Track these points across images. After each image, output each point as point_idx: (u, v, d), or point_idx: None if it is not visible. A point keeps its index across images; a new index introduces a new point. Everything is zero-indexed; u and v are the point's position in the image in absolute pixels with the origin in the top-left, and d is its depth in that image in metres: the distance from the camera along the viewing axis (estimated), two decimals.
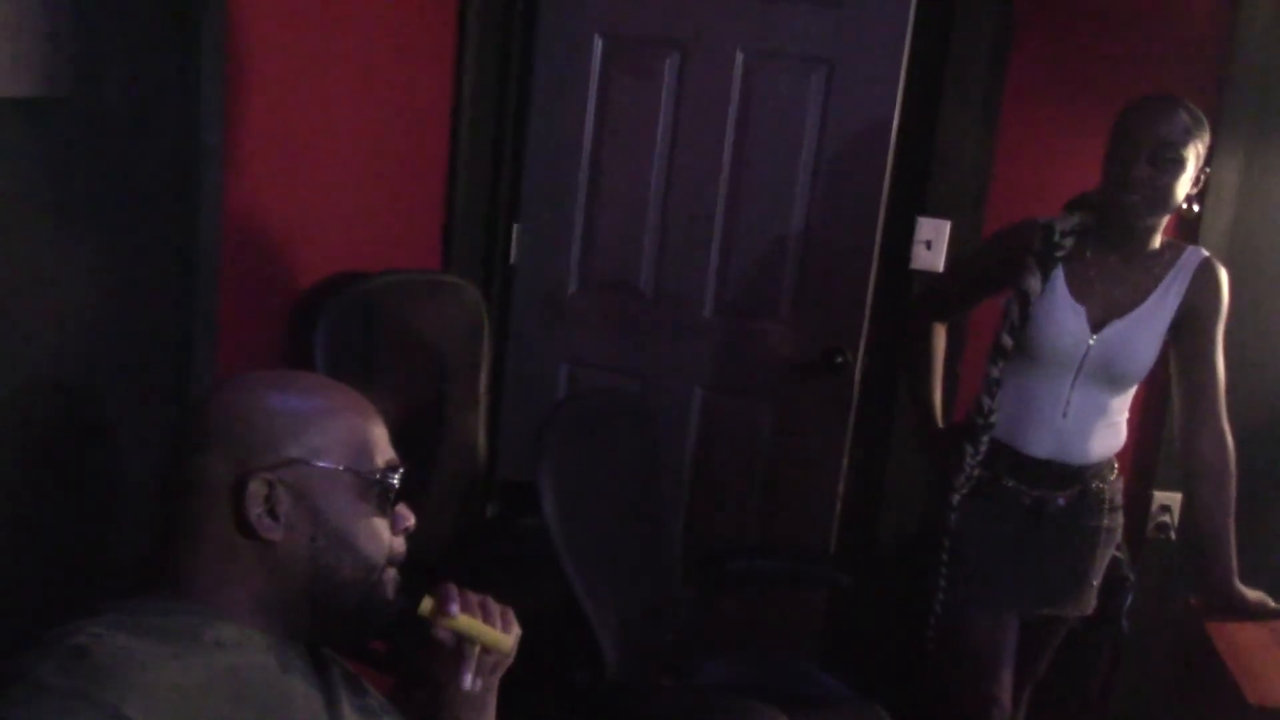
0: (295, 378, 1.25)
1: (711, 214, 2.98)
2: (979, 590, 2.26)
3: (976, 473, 2.24)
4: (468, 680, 1.23)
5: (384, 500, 1.20)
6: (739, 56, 2.90)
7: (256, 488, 1.12)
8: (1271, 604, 2.24)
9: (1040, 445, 2.22)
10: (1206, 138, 2.10)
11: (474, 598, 1.25)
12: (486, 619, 1.24)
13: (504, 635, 1.25)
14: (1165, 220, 2.16)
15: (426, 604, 1.22)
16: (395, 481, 1.21)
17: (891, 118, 2.80)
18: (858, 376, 2.92)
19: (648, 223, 3.03)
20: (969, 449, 2.24)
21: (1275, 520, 2.70)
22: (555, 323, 3.14)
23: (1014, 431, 2.23)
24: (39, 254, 1.50)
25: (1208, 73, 2.66)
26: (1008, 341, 2.21)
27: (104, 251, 1.62)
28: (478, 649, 1.24)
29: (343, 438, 1.18)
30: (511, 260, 3.14)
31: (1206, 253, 2.21)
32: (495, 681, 1.30)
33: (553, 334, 3.15)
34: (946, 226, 2.83)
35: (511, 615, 1.27)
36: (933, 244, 2.84)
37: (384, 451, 1.22)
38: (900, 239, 2.87)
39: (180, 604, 1.12)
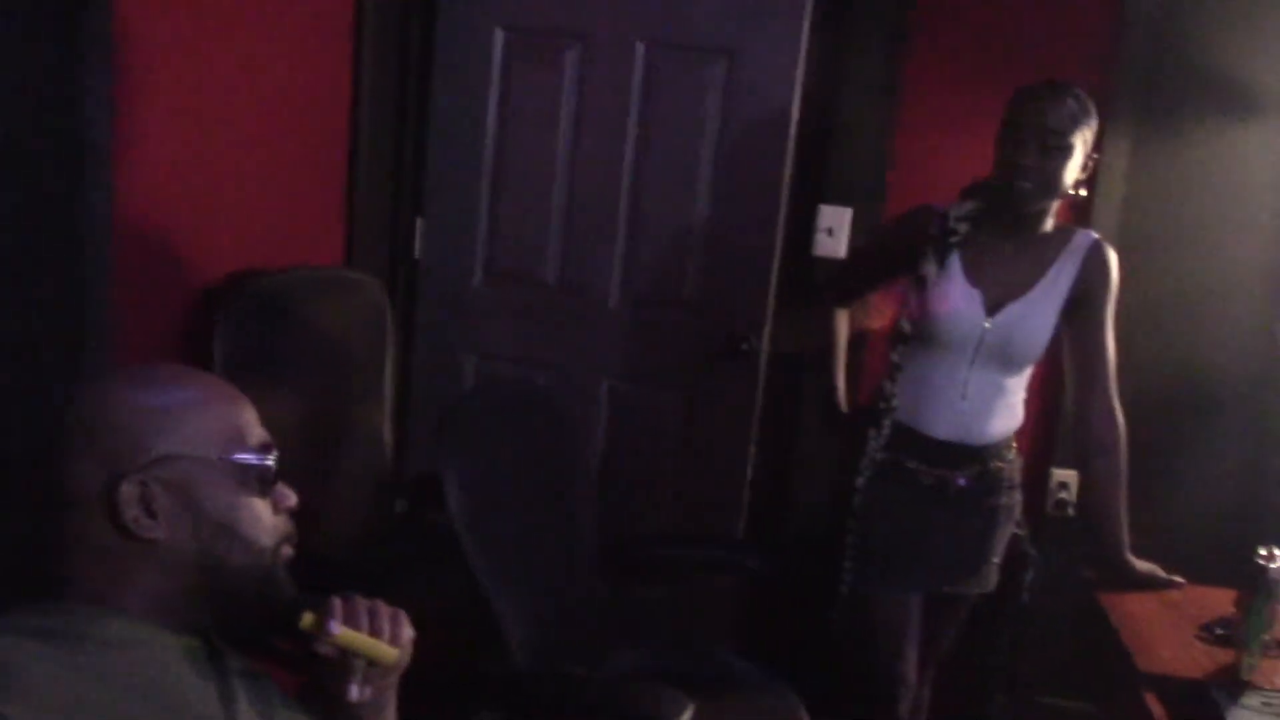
0: (155, 372, 1.22)
1: (615, 204, 2.98)
2: (883, 570, 2.30)
3: (880, 455, 2.28)
4: (353, 692, 1.21)
5: (263, 482, 1.19)
6: (640, 47, 2.91)
7: (129, 490, 1.10)
8: (1162, 575, 2.30)
9: (940, 427, 2.26)
10: (1094, 124, 2.15)
11: (362, 606, 1.22)
12: (374, 628, 1.21)
13: (390, 649, 1.22)
14: (1056, 204, 2.21)
15: (307, 619, 1.19)
16: (271, 462, 1.20)
17: (791, 106, 2.83)
18: (763, 362, 2.95)
19: (552, 214, 3.03)
20: (872, 432, 2.27)
21: (1164, 493, 2.78)
22: (461, 316, 3.13)
23: (915, 414, 2.27)
24: None
25: (1098, 58, 2.72)
26: (906, 326, 2.25)
27: None
28: (362, 661, 1.21)
29: (212, 426, 1.17)
30: (416, 254, 3.12)
31: (1096, 235, 2.27)
32: (392, 684, 1.29)
33: (459, 327, 3.13)
34: (848, 213, 2.86)
35: (404, 619, 1.25)
36: (835, 231, 2.88)
37: (256, 434, 1.21)
38: (802, 226, 2.90)
39: (66, 606, 1.10)
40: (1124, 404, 2.28)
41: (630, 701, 1.85)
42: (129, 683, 1.07)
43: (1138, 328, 2.69)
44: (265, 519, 1.19)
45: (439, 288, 3.13)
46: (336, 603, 1.20)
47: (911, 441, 2.27)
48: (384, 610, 1.23)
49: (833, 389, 2.53)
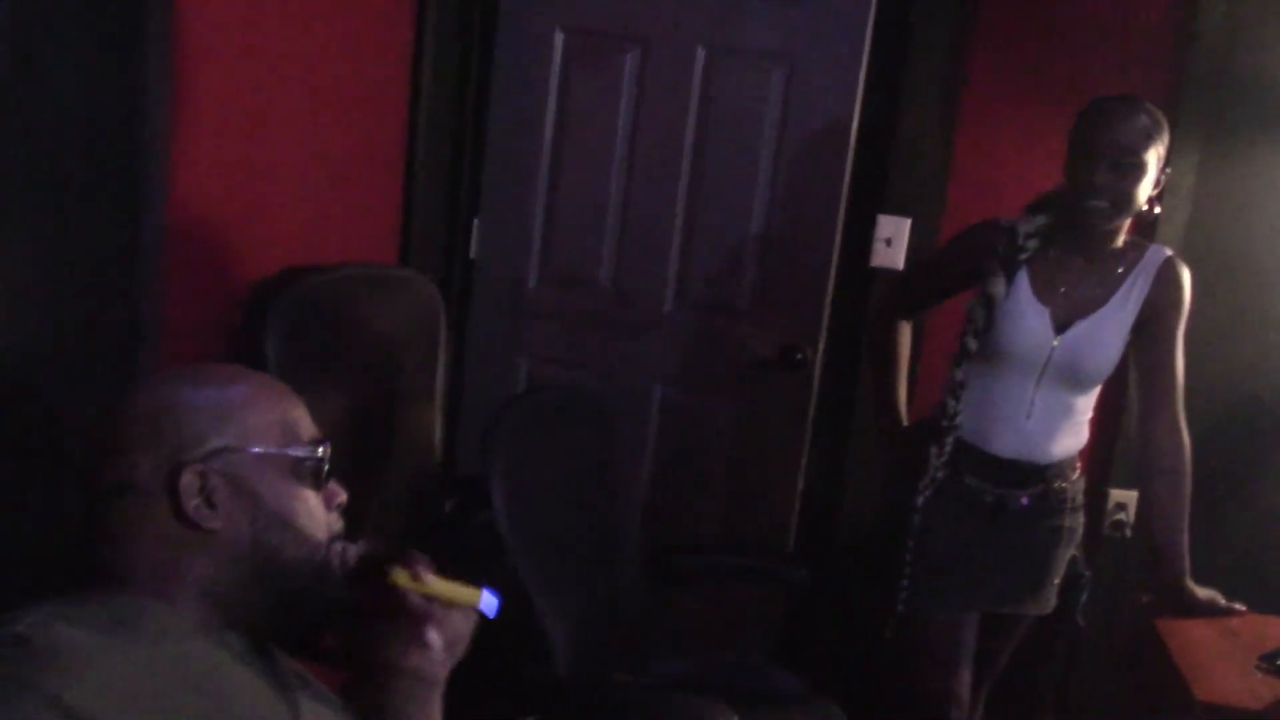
0: (211, 370, 1.26)
1: (672, 210, 2.97)
2: (941, 589, 2.26)
3: (940, 473, 2.24)
4: (433, 636, 1.23)
5: (317, 476, 1.22)
6: (700, 53, 2.89)
7: (190, 480, 1.13)
8: (1222, 602, 2.25)
9: (1004, 445, 2.22)
10: (1166, 138, 2.10)
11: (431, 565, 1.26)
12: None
13: (475, 589, 1.26)
14: (1128, 220, 2.17)
15: (400, 575, 1.22)
16: (324, 456, 1.22)
17: (852, 115, 2.80)
18: (817, 373, 2.92)
19: (608, 218, 3.02)
20: (934, 450, 2.24)
21: (1228, 519, 2.72)
22: (515, 318, 3.13)
23: (978, 432, 2.24)
24: None
25: (1164, 71, 2.67)
26: (972, 345, 2.21)
27: (44, 246, 1.59)
28: (440, 606, 1.24)
29: (267, 420, 1.20)
30: (471, 255, 3.12)
31: (1169, 252, 2.22)
32: (445, 674, 1.28)
33: (512, 329, 3.13)
34: (906, 224, 2.83)
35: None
36: (893, 241, 2.84)
37: (308, 429, 1.24)
38: (860, 236, 2.86)
39: (122, 596, 1.12)
40: (1189, 425, 2.23)
41: (675, 712, 1.83)
42: (184, 675, 1.08)
43: (1204, 348, 2.63)
44: (319, 513, 1.22)
45: (494, 289, 3.13)
46: (418, 555, 1.24)
47: (974, 459, 2.24)
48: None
49: (893, 403, 2.49)
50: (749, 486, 3.02)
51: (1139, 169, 2.06)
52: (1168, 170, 2.15)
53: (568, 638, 1.98)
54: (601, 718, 1.94)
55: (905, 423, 2.49)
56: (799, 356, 2.90)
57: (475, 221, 3.10)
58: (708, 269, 2.98)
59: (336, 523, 1.25)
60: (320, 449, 1.22)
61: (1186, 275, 2.20)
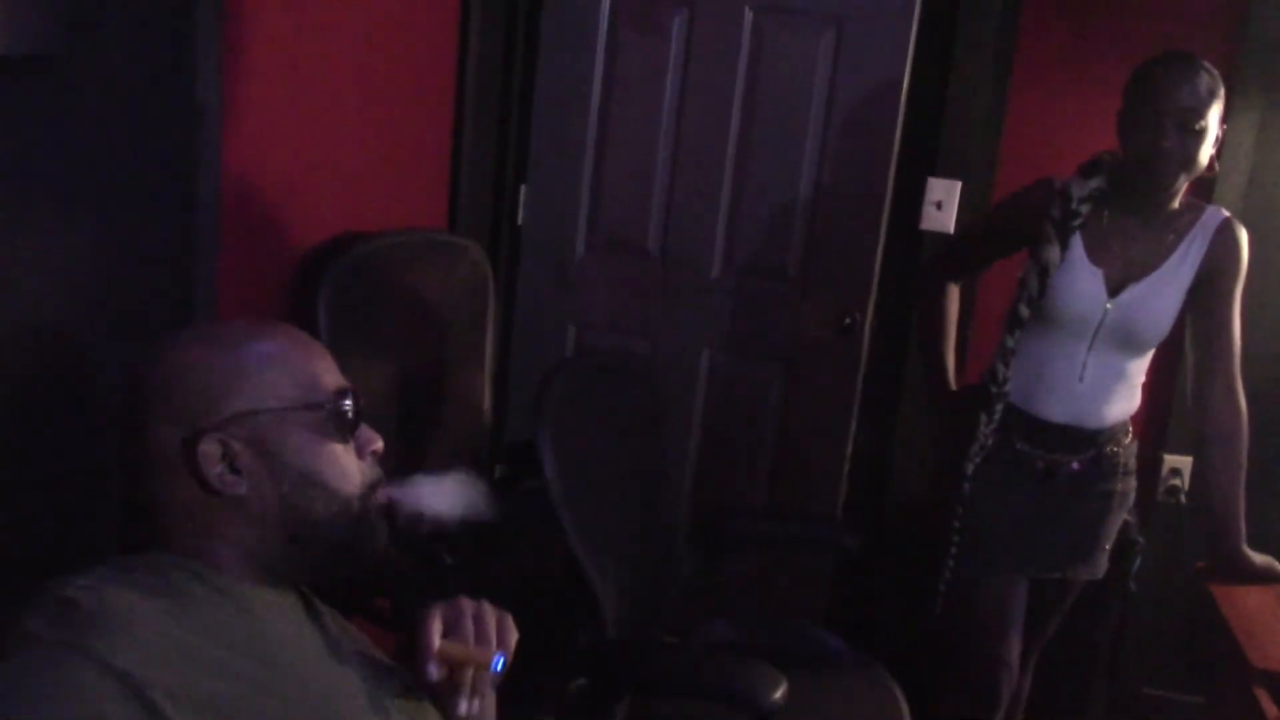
0: (225, 328, 1.22)
1: (720, 174, 2.95)
2: (991, 555, 2.25)
3: (990, 439, 2.22)
4: (463, 707, 1.20)
5: (343, 428, 1.19)
6: (748, 13, 2.87)
7: (209, 448, 1.12)
8: (1279, 568, 2.22)
9: (1056, 410, 2.20)
10: (1223, 95, 2.06)
11: (468, 610, 1.20)
12: (480, 634, 1.19)
13: (491, 656, 1.19)
14: (1186, 182, 2.13)
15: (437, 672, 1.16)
16: (348, 406, 1.19)
17: (902, 76, 2.77)
18: (867, 338, 2.90)
19: (656, 183, 3.02)
20: (983, 417, 2.22)
21: None
22: (563, 284, 3.13)
23: (1029, 396, 2.21)
24: (33, 215, 1.49)
25: (1223, 28, 2.62)
26: (1025, 312, 2.17)
27: (100, 212, 1.61)
28: (470, 673, 1.19)
29: (285, 377, 1.17)
30: (519, 221, 3.12)
31: (1227, 213, 2.17)
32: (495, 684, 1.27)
33: (560, 295, 3.14)
34: (957, 187, 2.80)
35: (509, 623, 1.22)
36: (943, 204, 2.81)
37: (332, 379, 1.20)
38: (910, 199, 2.84)
39: (167, 559, 1.12)
40: (1245, 390, 2.20)
41: (724, 675, 1.84)
42: (232, 638, 1.07)
43: (1262, 312, 2.59)
44: (349, 466, 1.19)
45: (542, 255, 3.13)
46: (437, 616, 1.18)
47: (1024, 424, 2.21)
48: (489, 614, 1.21)
49: (942, 369, 2.47)
50: (798, 453, 3.01)
51: (1203, 131, 2.02)
52: (1224, 126, 2.10)
53: (617, 602, 1.99)
54: (650, 681, 1.95)
55: (953, 388, 2.47)
56: (848, 321, 2.88)
57: (523, 188, 3.11)
58: (756, 234, 2.96)
59: (372, 470, 1.22)
60: (344, 400, 1.19)
61: (1244, 237, 2.16)
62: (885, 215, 2.84)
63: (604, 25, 2.99)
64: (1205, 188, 2.58)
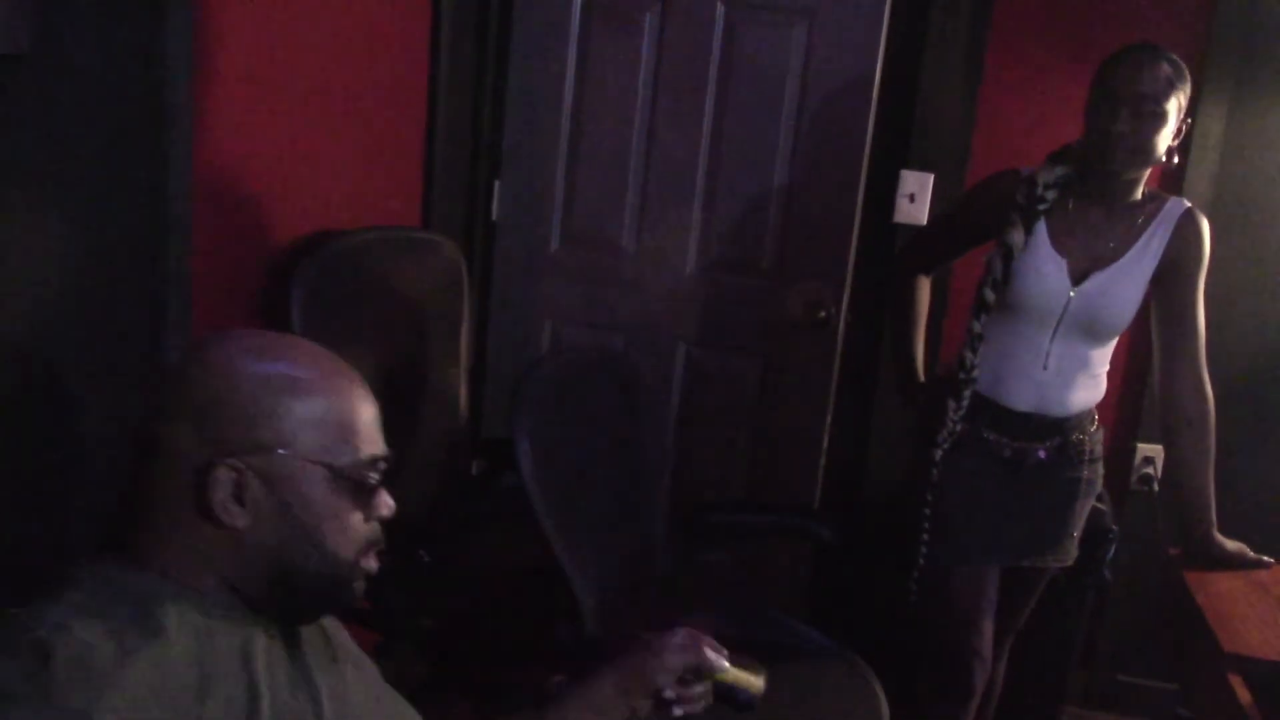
0: (284, 348, 1.15)
1: (694, 168, 2.96)
2: (960, 543, 2.27)
3: (958, 427, 2.24)
4: (679, 711, 1.34)
5: (361, 495, 1.14)
6: (720, 8, 2.87)
7: (224, 474, 1.07)
8: (1250, 554, 2.25)
9: (1021, 398, 2.22)
10: (1188, 88, 2.08)
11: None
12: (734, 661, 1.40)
13: (758, 674, 1.41)
14: (1148, 171, 2.15)
15: (728, 674, 1.40)
16: (375, 479, 1.14)
17: (874, 70, 2.78)
18: (842, 331, 2.92)
19: (630, 177, 3.02)
20: (951, 404, 2.24)
21: (1254, 470, 2.71)
22: (538, 279, 3.13)
23: (995, 384, 2.23)
24: (2, 214, 1.49)
25: (1192, 22, 2.64)
26: (990, 296, 2.20)
27: (71, 211, 1.60)
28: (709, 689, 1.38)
29: (325, 424, 1.11)
30: (493, 217, 3.12)
31: (1189, 204, 2.20)
32: None
33: (536, 291, 3.14)
34: (930, 179, 2.81)
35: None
36: (916, 197, 2.83)
37: (369, 441, 1.15)
38: (884, 192, 2.85)
39: (138, 576, 1.07)
40: (1213, 378, 2.22)
41: None
42: (207, 670, 1.04)
43: (1229, 300, 2.62)
44: (354, 529, 1.14)
45: (516, 251, 3.13)
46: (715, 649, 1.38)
47: (991, 413, 2.23)
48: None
49: (910, 359, 2.49)
50: (774, 445, 3.02)
51: (1160, 117, 2.04)
52: (1189, 120, 2.12)
53: (596, 597, 1.99)
54: None
55: (921, 378, 2.49)
56: (823, 314, 2.89)
57: (496, 183, 3.10)
58: (730, 228, 2.97)
59: (373, 532, 1.17)
60: (373, 471, 1.14)
61: (1206, 227, 2.18)
62: (859, 208, 2.85)
63: (576, 19, 2.98)
64: (1174, 179, 2.60)
